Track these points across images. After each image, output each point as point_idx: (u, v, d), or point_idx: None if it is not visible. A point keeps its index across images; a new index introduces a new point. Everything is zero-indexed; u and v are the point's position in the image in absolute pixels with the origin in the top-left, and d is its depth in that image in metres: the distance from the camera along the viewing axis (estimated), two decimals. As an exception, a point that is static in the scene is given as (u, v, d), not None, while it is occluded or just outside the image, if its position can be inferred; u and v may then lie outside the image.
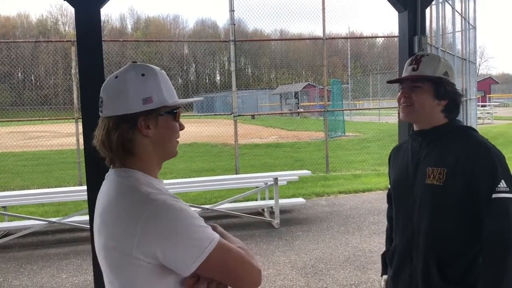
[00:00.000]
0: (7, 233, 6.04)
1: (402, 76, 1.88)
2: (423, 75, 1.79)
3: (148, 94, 1.22)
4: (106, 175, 1.30)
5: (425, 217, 1.77)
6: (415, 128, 1.89)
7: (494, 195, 1.62)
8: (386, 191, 2.16)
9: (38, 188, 9.14)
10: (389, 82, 1.97)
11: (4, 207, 6.29)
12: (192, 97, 34.40)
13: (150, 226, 1.11)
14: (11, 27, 54.90)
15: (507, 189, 1.63)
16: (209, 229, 1.17)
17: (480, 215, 1.66)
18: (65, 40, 13.93)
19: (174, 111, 1.28)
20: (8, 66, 15.61)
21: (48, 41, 21.84)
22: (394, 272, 1.94)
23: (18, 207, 7.13)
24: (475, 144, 1.72)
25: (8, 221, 6.35)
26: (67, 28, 56.57)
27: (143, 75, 1.23)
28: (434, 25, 13.55)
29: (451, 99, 1.80)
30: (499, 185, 1.63)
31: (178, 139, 1.33)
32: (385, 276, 2.09)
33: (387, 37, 18.54)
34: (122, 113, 1.21)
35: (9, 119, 14.07)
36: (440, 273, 1.72)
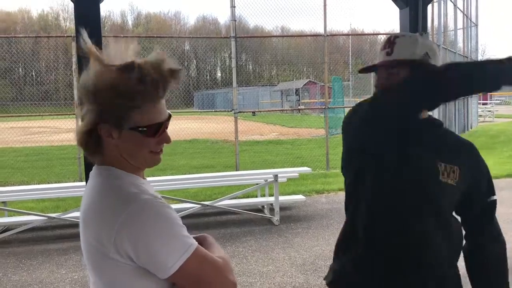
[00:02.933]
0: (7, 228, 6.04)
1: (376, 63, 1.59)
2: (399, 59, 1.53)
3: None
4: (91, 173, 1.24)
5: (431, 222, 1.49)
6: None
7: (489, 199, 1.61)
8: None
9: (38, 184, 9.13)
10: (361, 71, 1.67)
11: (4, 202, 6.29)
12: (193, 93, 34.29)
13: (126, 227, 1.06)
14: (12, 23, 54.80)
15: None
16: (190, 238, 1.11)
17: (467, 218, 1.64)
18: (65, 35, 13.90)
19: (140, 128, 1.12)
20: (9, 62, 15.59)
21: (49, 36, 21.86)
22: None
23: (18, 202, 7.13)
24: (471, 145, 1.63)
25: (8, 216, 6.36)
26: (68, 24, 56.48)
27: None
28: (435, 22, 13.54)
29: None
30: (493, 188, 1.63)
31: (159, 150, 1.19)
32: None
33: (388, 34, 18.46)
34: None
35: (9, 115, 14.10)
36: None
